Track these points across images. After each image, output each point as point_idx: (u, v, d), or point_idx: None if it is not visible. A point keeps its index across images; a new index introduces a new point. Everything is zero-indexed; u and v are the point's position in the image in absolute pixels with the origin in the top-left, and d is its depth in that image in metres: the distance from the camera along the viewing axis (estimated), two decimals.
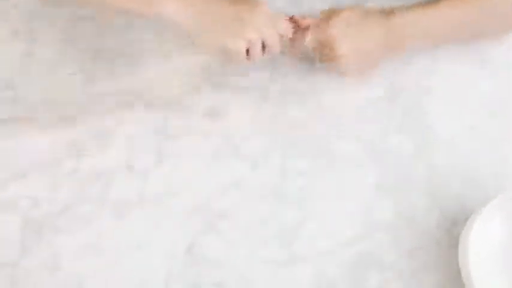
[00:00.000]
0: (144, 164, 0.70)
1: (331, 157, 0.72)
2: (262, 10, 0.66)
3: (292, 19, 0.70)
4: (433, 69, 0.76)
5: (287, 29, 0.69)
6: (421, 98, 0.75)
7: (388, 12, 0.70)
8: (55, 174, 0.69)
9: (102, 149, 0.71)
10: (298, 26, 0.70)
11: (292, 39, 0.70)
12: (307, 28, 0.70)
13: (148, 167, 0.70)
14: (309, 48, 0.70)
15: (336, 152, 0.72)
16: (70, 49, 0.73)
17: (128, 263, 0.67)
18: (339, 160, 0.72)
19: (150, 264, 0.67)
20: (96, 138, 0.71)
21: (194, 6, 0.65)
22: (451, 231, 0.69)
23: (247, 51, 0.66)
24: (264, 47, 0.67)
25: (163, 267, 0.67)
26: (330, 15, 0.69)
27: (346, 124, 0.73)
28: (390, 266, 0.68)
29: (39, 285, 0.66)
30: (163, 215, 0.69)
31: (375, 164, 0.72)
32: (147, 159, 0.70)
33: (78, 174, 0.69)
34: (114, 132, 0.71)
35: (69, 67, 0.73)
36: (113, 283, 0.67)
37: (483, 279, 0.62)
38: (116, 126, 0.71)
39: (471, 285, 0.62)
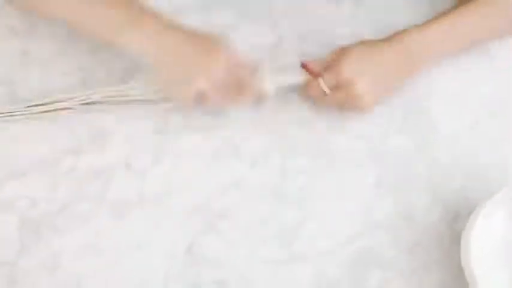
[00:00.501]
0: (144, 163, 0.70)
1: (331, 157, 0.72)
2: (222, 56, 0.64)
3: (304, 66, 0.68)
4: (433, 69, 0.75)
5: (301, 76, 0.68)
6: (421, 97, 0.75)
7: (397, 37, 0.68)
8: (53, 173, 0.69)
9: (101, 147, 0.70)
10: (311, 73, 0.68)
11: (308, 87, 0.68)
12: (319, 74, 0.68)
13: (147, 166, 0.70)
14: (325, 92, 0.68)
15: (336, 151, 0.72)
16: (68, 46, 0.72)
17: (127, 263, 0.67)
18: (339, 160, 0.71)
19: (149, 264, 0.67)
20: (94, 136, 0.70)
21: (155, 40, 0.63)
22: (452, 228, 0.69)
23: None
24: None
25: (162, 267, 0.67)
26: (340, 55, 0.67)
27: (346, 123, 0.73)
28: (391, 264, 0.68)
29: (38, 285, 0.65)
30: (162, 214, 0.68)
31: (375, 163, 0.72)
32: (147, 158, 0.70)
33: (76, 173, 0.69)
34: (113, 131, 0.71)
35: (67, 65, 0.72)
36: (112, 283, 0.66)
37: (486, 276, 0.61)
38: (115, 125, 0.71)
39: (474, 283, 0.61)
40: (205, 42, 0.65)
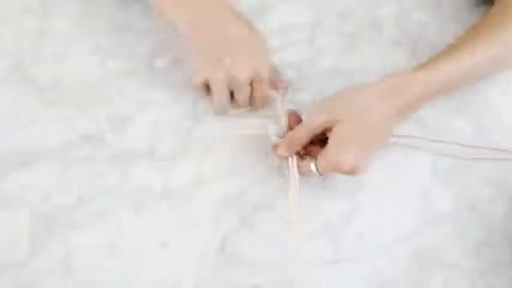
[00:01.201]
0: (170, 151, 0.63)
1: None
2: (259, 60, 0.60)
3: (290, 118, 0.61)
4: None
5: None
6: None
7: (400, 83, 0.58)
8: (68, 163, 0.62)
9: (121, 135, 0.63)
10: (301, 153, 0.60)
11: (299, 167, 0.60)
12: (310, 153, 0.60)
13: (174, 154, 0.62)
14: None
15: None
16: (85, 25, 0.67)
17: (150, 265, 0.59)
18: (392, 143, 0.63)
19: (176, 266, 0.59)
20: (114, 123, 0.64)
21: (199, 9, 0.59)
22: None
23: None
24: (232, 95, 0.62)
25: (191, 269, 0.59)
26: (332, 136, 0.57)
27: None
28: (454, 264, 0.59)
29: None
30: (190, 208, 0.61)
31: (432, 146, 0.63)
32: (173, 146, 0.63)
33: (93, 163, 0.62)
34: (135, 117, 0.64)
35: (84, 45, 0.66)
36: (132, 286, 0.58)
37: None
38: (138, 110, 0.64)
39: None
40: (250, 36, 0.60)
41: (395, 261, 0.60)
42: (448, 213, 0.61)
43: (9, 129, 0.63)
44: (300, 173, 0.59)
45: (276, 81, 0.63)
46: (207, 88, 0.62)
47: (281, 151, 0.59)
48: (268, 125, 0.61)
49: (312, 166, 0.58)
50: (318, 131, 0.58)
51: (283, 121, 0.61)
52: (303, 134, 0.58)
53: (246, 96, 0.62)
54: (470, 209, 0.62)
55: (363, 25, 0.70)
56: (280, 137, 0.60)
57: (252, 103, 0.63)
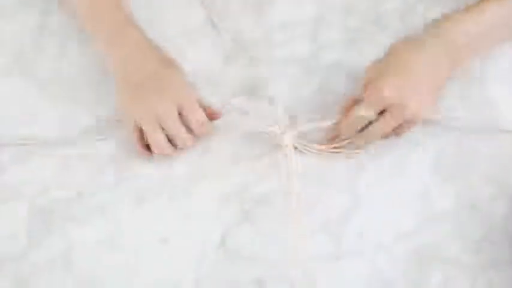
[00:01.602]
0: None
1: None
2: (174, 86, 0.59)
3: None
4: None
5: None
6: (483, 75, 0.66)
7: (439, 30, 0.60)
8: (67, 155, 0.61)
9: (121, 130, 0.62)
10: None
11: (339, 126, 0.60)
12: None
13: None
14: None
15: None
16: None
17: (150, 259, 0.59)
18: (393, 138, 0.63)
19: (177, 261, 0.59)
20: (115, 118, 0.63)
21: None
22: None
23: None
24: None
25: (192, 264, 0.59)
26: (374, 79, 0.58)
27: None
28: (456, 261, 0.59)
29: (48, 284, 0.57)
30: (191, 202, 0.61)
31: (433, 144, 0.63)
32: None
33: (93, 155, 0.61)
34: None
35: (85, 40, 0.65)
36: (133, 283, 0.58)
37: None
38: None
39: None
40: (171, 71, 0.60)
41: (396, 259, 0.59)
42: (448, 211, 0.61)
43: (8, 122, 0.62)
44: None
45: (211, 113, 0.61)
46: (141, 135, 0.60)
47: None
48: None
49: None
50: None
51: None
52: (384, 133, 0.59)
53: (179, 131, 0.59)
54: (471, 208, 0.61)
55: (366, 20, 0.69)
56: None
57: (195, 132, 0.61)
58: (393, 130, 0.60)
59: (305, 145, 0.61)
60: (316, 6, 0.69)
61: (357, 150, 0.61)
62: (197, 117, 0.59)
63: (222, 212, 0.60)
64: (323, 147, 0.61)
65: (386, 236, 0.60)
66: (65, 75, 0.64)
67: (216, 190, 0.61)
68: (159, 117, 0.58)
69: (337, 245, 0.59)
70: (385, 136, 0.60)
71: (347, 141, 0.60)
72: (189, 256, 0.59)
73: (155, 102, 0.58)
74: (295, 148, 0.60)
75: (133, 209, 0.60)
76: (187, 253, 0.59)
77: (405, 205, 0.61)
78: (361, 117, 0.58)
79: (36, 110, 0.63)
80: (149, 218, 0.60)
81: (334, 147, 0.61)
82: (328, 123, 0.61)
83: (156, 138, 0.59)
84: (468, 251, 0.60)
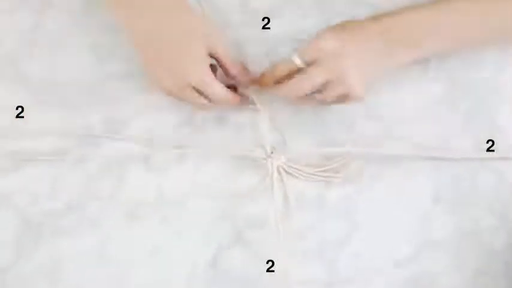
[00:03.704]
0: (164, 159, 0.60)
1: (382, 163, 0.61)
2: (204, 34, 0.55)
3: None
4: (503, 65, 0.64)
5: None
6: (487, 98, 0.64)
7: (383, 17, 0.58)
8: (58, 166, 0.60)
9: (115, 139, 0.61)
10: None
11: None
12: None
13: (168, 162, 0.60)
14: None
15: (387, 157, 0.61)
16: (83, 22, 0.63)
17: (138, 274, 0.58)
18: (392, 166, 0.61)
19: (165, 278, 0.58)
20: (109, 127, 0.61)
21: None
22: None
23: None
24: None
25: (181, 282, 0.58)
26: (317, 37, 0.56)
27: (401, 125, 0.62)
28: None
29: None
30: (183, 220, 0.59)
31: (433, 172, 0.61)
32: (168, 154, 0.60)
33: (85, 166, 0.60)
34: (130, 121, 0.61)
35: (80, 43, 0.63)
36: None
37: None
38: (133, 115, 0.61)
39: None
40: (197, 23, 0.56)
41: (391, 286, 0.58)
42: (447, 240, 0.59)
43: None
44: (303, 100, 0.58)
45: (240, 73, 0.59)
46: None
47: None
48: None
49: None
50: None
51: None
52: (305, 87, 0.56)
53: (216, 90, 0.57)
54: (470, 238, 0.60)
55: None
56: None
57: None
58: (317, 91, 0.57)
59: (295, 168, 0.59)
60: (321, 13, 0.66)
61: (349, 176, 0.60)
62: (213, 91, 0.57)
63: (214, 232, 0.59)
64: (314, 170, 0.59)
65: (382, 263, 0.59)
66: (58, 79, 0.62)
67: (208, 209, 0.59)
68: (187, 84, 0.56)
69: (330, 271, 0.58)
70: (304, 96, 0.57)
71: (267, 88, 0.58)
72: (179, 273, 0.58)
73: (182, 70, 0.56)
74: (285, 171, 0.59)
75: (123, 224, 0.59)
76: (178, 270, 0.58)
77: (403, 232, 0.60)
78: (290, 61, 0.56)
79: (28, 118, 0.61)
80: (139, 233, 0.59)
81: (324, 171, 0.60)
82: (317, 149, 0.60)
83: (194, 101, 0.57)
84: (465, 281, 0.58)
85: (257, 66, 0.60)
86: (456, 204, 0.60)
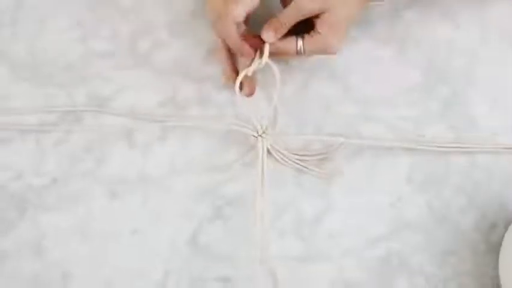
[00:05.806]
0: (147, 137, 0.61)
1: (360, 143, 0.63)
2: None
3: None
4: (478, 57, 0.66)
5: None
6: (464, 87, 0.65)
7: None
8: (42, 142, 0.60)
9: (98, 117, 0.62)
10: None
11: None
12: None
13: (151, 141, 0.61)
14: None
15: (366, 136, 0.63)
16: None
17: (120, 251, 0.59)
18: (367, 147, 0.63)
19: (146, 254, 0.59)
20: (92, 104, 0.62)
21: None
22: (489, 236, 0.61)
23: None
24: None
25: (162, 256, 0.59)
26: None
27: (378, 108, 0.64)
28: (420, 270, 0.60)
29: (18, 270, 0.58)
30: (164, 197, 0.60)
31: (407, 153, 0.63)
32: (151, 133, 0.61)
33: (69, 144, 0.61)
34: (113, 99, 0.62)
35: (64, 20, 0.63)
36: (102, 272, 0.59)
37: None
38: (116, 93, 0.62)
39: None
40: None
41: (363, 264, 0.60)
42: (418, 221, 0.61)
43: None
44: (284, 51, 0.58)
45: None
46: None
47: (268, 36, 0.57)
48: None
49: (300, 43, 0.57)
50: (307, 16, 0.57)
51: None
52: (292, 17, 0.56)
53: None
54: (440, 218, 0.62)
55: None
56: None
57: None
58: (298, 34, 0.57)
59: (279, 152, 0.61)
60: None
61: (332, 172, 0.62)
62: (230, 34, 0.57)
63: (195, 209, 0.60)
64: (294, 158, 0.61)
65: (356, 242, 0.61)
66: (41, 57, 0.63)
67: (189, 187, 0.61)
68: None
69: (306, 247, 0.60)
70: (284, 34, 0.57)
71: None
72: (160, 249, 0.59)
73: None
74: (269, 153, 0.60)
75: (106, 200, 0.60)
76: (158, 246, 0.59)
77: (376, 212, 0.61)
78: None
79: (10, 94, 0.62)
80: (121, 210, 0.60)
81: (303, 161, 0.61)
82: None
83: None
84: (433, 261, 0.61)
85: None
86: (428, 184, 0.62)
